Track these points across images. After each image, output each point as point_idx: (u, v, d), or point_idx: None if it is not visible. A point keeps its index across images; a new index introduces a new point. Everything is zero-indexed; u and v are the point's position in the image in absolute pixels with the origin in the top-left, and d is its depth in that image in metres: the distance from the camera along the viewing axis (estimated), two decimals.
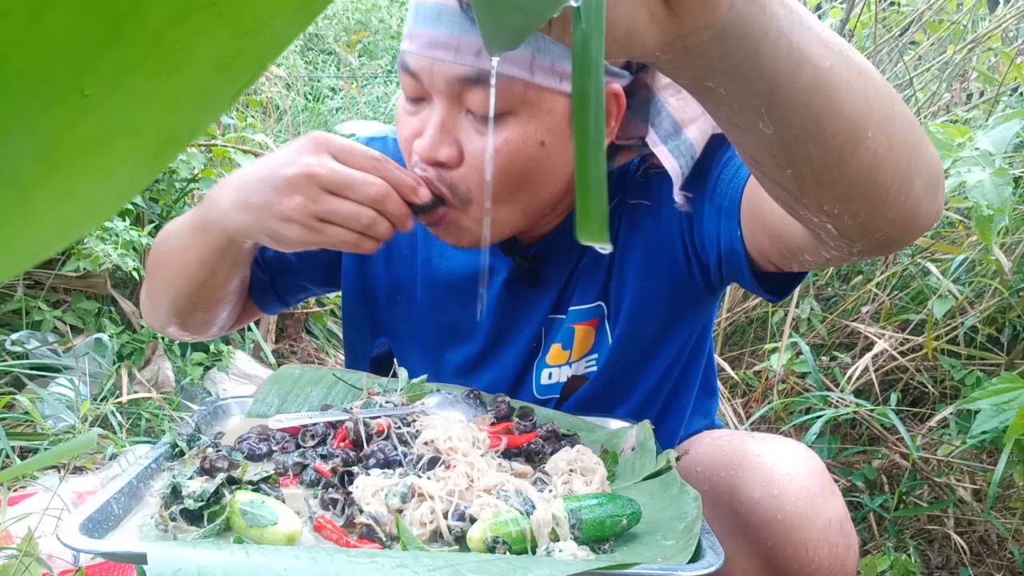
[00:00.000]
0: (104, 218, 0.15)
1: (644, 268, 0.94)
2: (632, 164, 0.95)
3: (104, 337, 1.90)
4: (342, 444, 0.83)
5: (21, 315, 1.90)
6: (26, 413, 1.56)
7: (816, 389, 1.76)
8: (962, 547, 1.50)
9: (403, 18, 5.63)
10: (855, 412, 1.65)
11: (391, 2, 5.67)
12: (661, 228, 0.92)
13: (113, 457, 1.50)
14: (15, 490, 1.31)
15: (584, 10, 0.26)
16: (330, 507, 0.73)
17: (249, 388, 1.98)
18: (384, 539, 0.69)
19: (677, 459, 0.81)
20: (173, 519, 0.69)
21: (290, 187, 0.76)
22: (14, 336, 1.80)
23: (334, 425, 0.87)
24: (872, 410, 1.63)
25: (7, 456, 1.48)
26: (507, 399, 0.95)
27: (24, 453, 1.57)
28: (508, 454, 0.85)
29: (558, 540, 0.67)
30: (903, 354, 1.85)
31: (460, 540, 0.68)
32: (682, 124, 0.85)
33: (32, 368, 1.77)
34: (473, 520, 0.68)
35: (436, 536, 0.69)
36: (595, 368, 0.99)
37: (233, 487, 0.71)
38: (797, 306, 1.98)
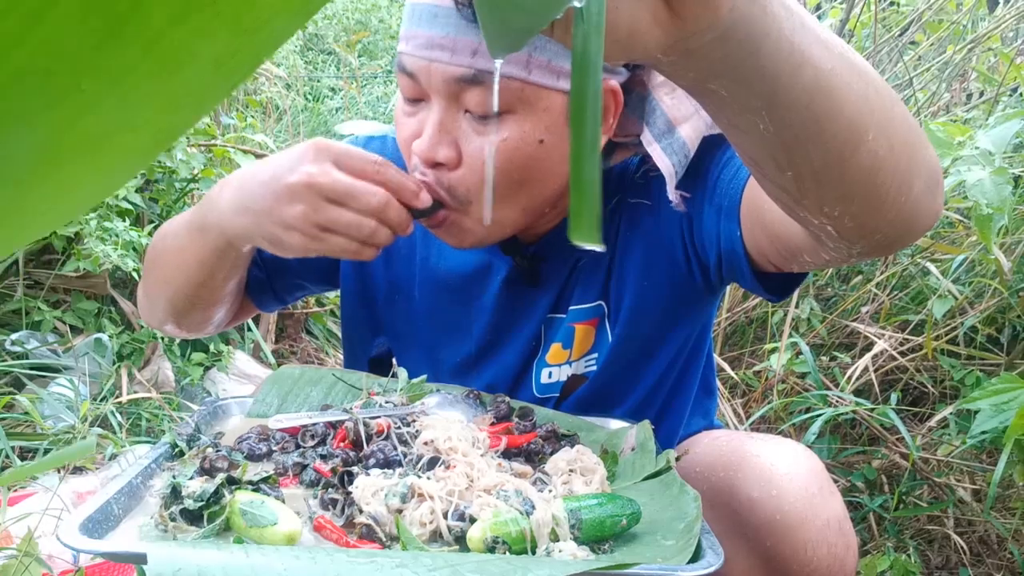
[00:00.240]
0: (94, 203, 0.15)
1: (644, 268, 0.94)
2: (632, 164, 0.95)
3: (104, 337, 1.90)
4: (342, 444, 0.83)
5: (21, 315, 1.90)
6: (26, 413, 1.56)
7: (816, 389, 1.76)
8: (962, 547, 1.50)
9: (402, 18, 5.65)
10: (855, 412, 1.65)
11: (391, 2, 5.67)
12: (661, 228, 0.92)
13: (113, 457, 1.50)
14: (15, 490, 1.31)
15: (586, 11, 0.26)
16: (330, 507, 0.73)
17: (249, 388, 1.98)
18: (384, 539, 0.69)
19: (677, 459, 0.81)
20: (173, 519, 0.69)
21: (291, 195, 0.76)
22: (14, 336, 1.80)
23: (334, 425, 0.87)
24: (872, 410, 1.63)
25: (7, 456, 1.48)
26: (507, 399, 0.95)
27: (24, 453, 1.57)
28: (508, 454, 0.85)
29: (558, 540, 0.67)
30: (903, 354, 1.85)
31: (460, 540, 0.68)
32: (675, 122, 0.85)
33: (32, 368, 1.77)
34: (473, 520, 0.68)
35: (436, 536, 0.69)
36: (595, 367, 0.99)
37: (233, 487, 0.71)
38: (797, 306, 1.98)
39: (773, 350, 1.87)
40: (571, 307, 0.97)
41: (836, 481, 1.67)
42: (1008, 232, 1.72)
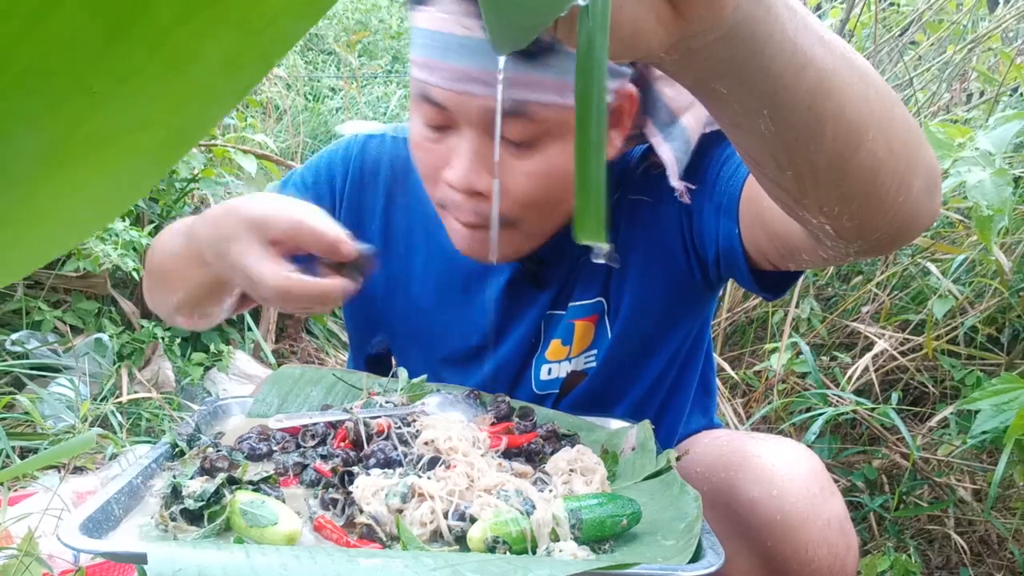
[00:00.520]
0: (110, 219, 0.15)
1: (644, 264, 0.94)
2: (632, 161, 0.95)
3: (104, 337, 1.90)
4: (342, 444, 0.83)
5: (21, 315, 1.90)
6: (26, 413, 1.56)
7: (816, 389, 1.76)
8: (962, 547, 1.50)
9: (403, 18, 5.63)
10: (855, 412, 1.65)
11: (391, 2, 5.67)
12: (661, 225, 0.92)
13: (113, 457, 1.50)
14: (15, 490, 1.31)
15: (591, 10, 0.26)
16: (330, 507, 0.73)
17: (249, 388, 1.98)
18: (384, 539, 0.69)
19: (678, 459, 0.81)
20: (173, 519, 0.69)
21: (238, 278, 0.76)
22: (14, 336, 1.80)
23: (334, 425, 0.87)
24: (872, 410, 1.63)
25: (7, 456, 1.48)
26: (507, 399, 0.95)
27: (24, 453, 1.57)
28: (508, 454, 0.85)
29: (558, 540, 0.67)
30: (903, 354, 1.85)
31: (460, 540, 0.68)
32: (677, 112, 0.85)
33: (32, 368, 1.77)
34: (473, 520, 0.68)
35: (436, 536, 0.69)
36: (594, 364, 0.99)
37: (233, 487, 0.71)
38: (797, 306, 1.98)
39: (773, 350, 1.87)
40: (571, 303, 0.97)
41: (836, 481, 1.67)
42: (1008, 232, 1.72)
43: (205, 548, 0.58)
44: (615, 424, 0.95)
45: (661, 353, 1.00)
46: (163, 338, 2.01)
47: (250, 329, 2.28)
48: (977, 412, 1.34)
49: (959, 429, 1.65)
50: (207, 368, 2.06)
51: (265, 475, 0.75)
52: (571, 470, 0.80)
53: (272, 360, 2.24)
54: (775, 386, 1.85)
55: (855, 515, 1.62)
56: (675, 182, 0.85)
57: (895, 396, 1.75)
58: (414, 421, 0.85)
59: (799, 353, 1.82)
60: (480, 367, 1.02)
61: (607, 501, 0.71)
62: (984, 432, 1.34)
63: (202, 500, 0.69)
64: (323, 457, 0.81)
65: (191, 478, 0.74)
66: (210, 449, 0.81)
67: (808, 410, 1.70)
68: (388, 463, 0.78)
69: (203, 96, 0.14)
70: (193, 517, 0.69)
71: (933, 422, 1.72)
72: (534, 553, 0.66)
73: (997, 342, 1.83)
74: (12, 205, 0.13)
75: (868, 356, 1.81)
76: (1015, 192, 1.46)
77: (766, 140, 0.54)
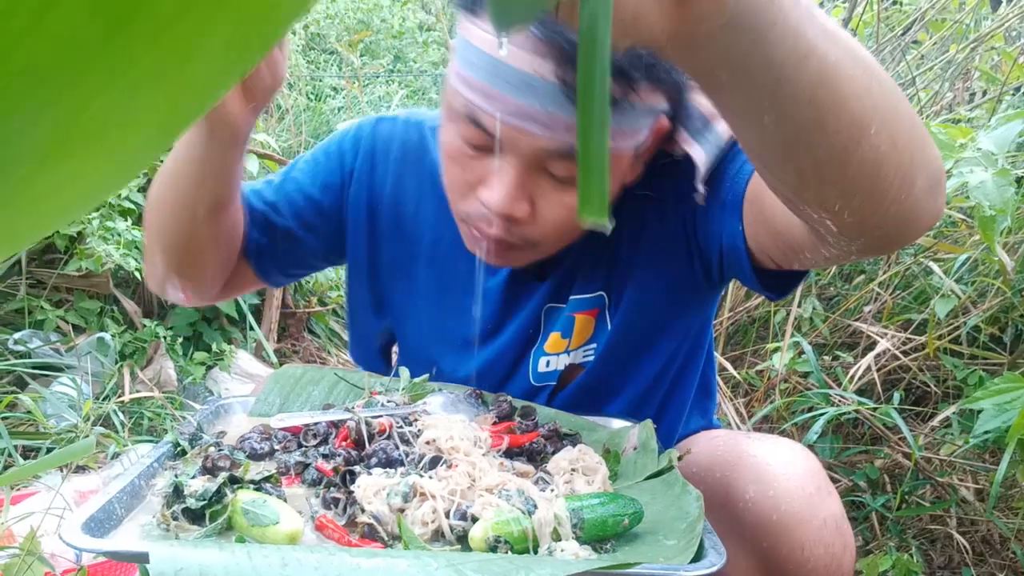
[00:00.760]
0: (107, 196, 0.15)
1: (646, 260, 0.94)
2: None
3: (106, 336, 1.90)
4: (344, 443, 0.83)
5: (24, 314, 1.90)
6: (28, 412, 1.56)
7: (818, 388, 1.76)
8: (964, 547, 1.50)
9: (404, 17, 5.63)
10: (857, 411, 1.65)
11: (393, 2, 5.67)
12: (665, 221, 0.93)
13: (115, 456, 1.50)
14: (17, 489, 1.31)
15: None
16: (332, 506, 0.73)
17: (251, 387, 1.98)
18: (386, 538, 0.69)
19: (679, 458, 0.81)
20: (175, 518, 0.69)
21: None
22: (17, 335, 1.80)
23: (336, 424, 0.87)
24: (874, 409, 1.63)
25: (9, 455, 1.48)
26: (508, 398, 0.95)
27: (27, 452, 1.57)
28: (510, 453, 0.85)
29: (560, 540, 0.67)
30: (905, 353, 1.85)
31: (462, 539, 0.68)
32: (711, 118, 0.85)
33: (34, 367, 1.77)
34: (475, 519, 0.68)
35: (438, 535, 0.69)
36: (592, 358, 0.99)
37: (235, 486, 0.71)
38: (799, 305, 1.98)
39: (775, 349, 1.87)
40: (572, 296, 0.97)
41: (838, 480, 1.67)
42: (1011, 232, 1.71)
43: (207, 547, 0.58)
44: (617, 424, 0.95)
45: (659, 350, 1.00)
46: (165, 337, 2.01)
47: (252, 328, 2.28)
48: (979, 412, 1.34)
49: (961, 429, 1.65)
50: (209, 367, 2.06)
51: (267, 474, 0.75)
52: (573, 469, 0.80)
53: (274, 359, 2.24)
54: (777, 386, 1.85)
55: (857, 515, 1.62)
56: (700, 184, 0.85)
57: (897, 396, 1.75)
58: (416, 420, 0.85)
59: (801, 352, 1.82)
60: (477, 356, 1.02)
61: (609, 501, 0.71)
62: (986, 432, 1.34)
63: (204, 499, 0.69)
64: (325, 456, 0.81)
65: (193, 477, 0.74)
66: (212, 448, 0.81)
67: (810, 410, 1.70)
68: (390, 462, 0.78)
69: (202, 82, 0.14)
70: (195, 516, 0.69)
71: (935, 422, 1.72)
72: (536, 552, 0.66)
73: (1000, 342, 1.82)
74: (15, 186, 0.14)
75: (870, 356, 1.81)
76: (1018, 192, 1.46)
77: (768, 132, 0.54)
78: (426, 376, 0.99)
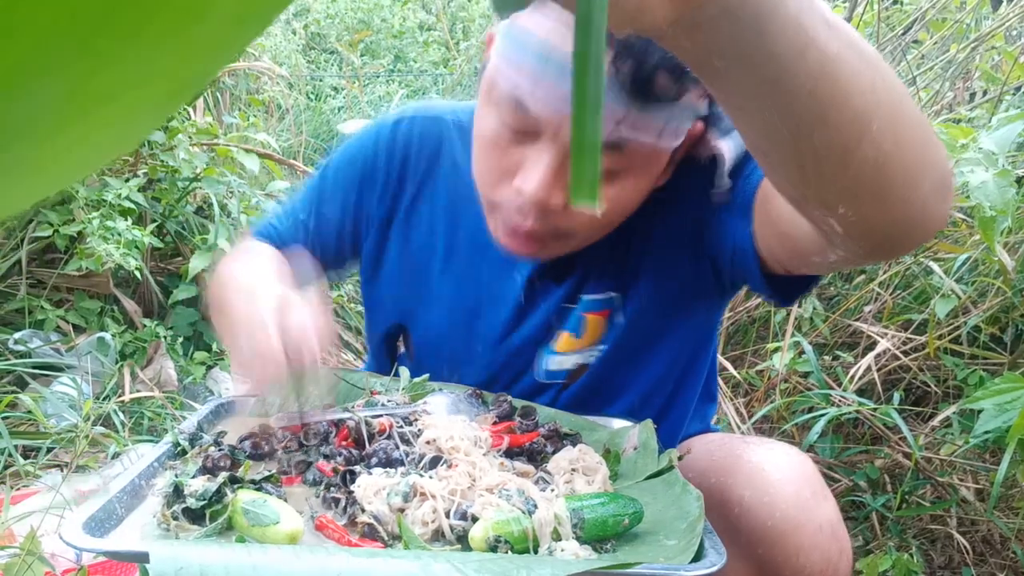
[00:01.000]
0: (114, 158, 0.16)
1: (657, 261, 0.94)
2: None
3: (107, 336, 1.90)
4: (344, 443, 0.83)
5: (24, 314, 1.90)
6: (29, 412, 1.56)
7: (819, 388, 1.76)
8: (965, 547, 1.50)
9: (404, 17, 5.63)
10: (857, 411, 1.65)
11: (393, 2, 5.67)
12: (677, 223, 0.93)
13: (115, 456, 1.50)
14: (18, 489, 1.31)
15: None
16: (332, 506, 0.73)
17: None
18: (386, 538, 0.69)
19: (680, 458, 0.81)
20: (175, 518, 0.69)
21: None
22: (17, 335, 1.80)
23: (336, 424, 0.87)
24: (875, 409, 1.63)
25: (9, 455, 1.48)
26: (508, 398, 0.95)
27: (27, 452, 1.57)
28: (510, 453, 0.85)
29: (560, 539, 0.67)
30: (906, 353, 1.85)
31: (462, 539, 0.68)
32: None
33: (35, 367, 1.77)
34: (475, 519, 0.68)
35: (438, 535, 0.69)
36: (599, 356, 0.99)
37: (235, 486, 0.71)
38: (799, 305, 1.98)
39: (776, 349, 1.87)
40: (584, 296, 0.97)
41: (838, 480, 1.67)
42: (1011, 232, 1.71)
43: (207, 547, 0.58)
44: (617, 423, 0.95)
45: (664, 351, 0.99)
46: (165, 337, 2.01)
47: None
48: (980, 412, 1.34)
49: (962, 429, 1.65)
50: (209, 367, 2.06)
51: (267, 474, 0.75)
52: (573, 469, 0.80)
53: None
54: (777, 385, 1.85)
55: (857, 515, 1.62)
56: (724, 179, 0.85)
57: (897, 395, 1.75)
58: (416, 420, 0.85)
59: (801, 352, 1.82)
60: (487, 354, 1.02)
61: (609, 500, 0.71)
62: (987, 432, 1.34)
63: (204, 499, 0.69)
64: (325, 456, 0.81)
65: (193, 477, 0.74)
66: (212, 448, 0.81)
67: (810, 410, 1.70)
68: (390, 462, 0.78)
69: (210, 50, 0.14)
70: (195, 516, 0.69)
71: (936, 421, 1.72)
72: (536, 552, 0.66)
73: (1000, 342, 1.82)
74: (27, 150, 0.14)
75: (871, 355, 1.81)
76: (1018, 192, 1.46)
77: (768, 126, 0.54)
78: (426, 376, 0.99)
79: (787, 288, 0.84)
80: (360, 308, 2.11)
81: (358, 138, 1.07)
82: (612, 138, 0.77)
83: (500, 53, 0.80)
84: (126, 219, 1.91)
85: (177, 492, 0.71)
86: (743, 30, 0.48)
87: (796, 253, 0.74)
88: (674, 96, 0.76)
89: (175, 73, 0.14)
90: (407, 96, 4.47)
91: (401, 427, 0.82)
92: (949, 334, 1.81)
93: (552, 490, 0.75)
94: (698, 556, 0.65)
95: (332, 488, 0.75)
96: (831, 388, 1.77)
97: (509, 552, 0.65)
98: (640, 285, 0.96)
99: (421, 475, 0.73)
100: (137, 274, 1.87)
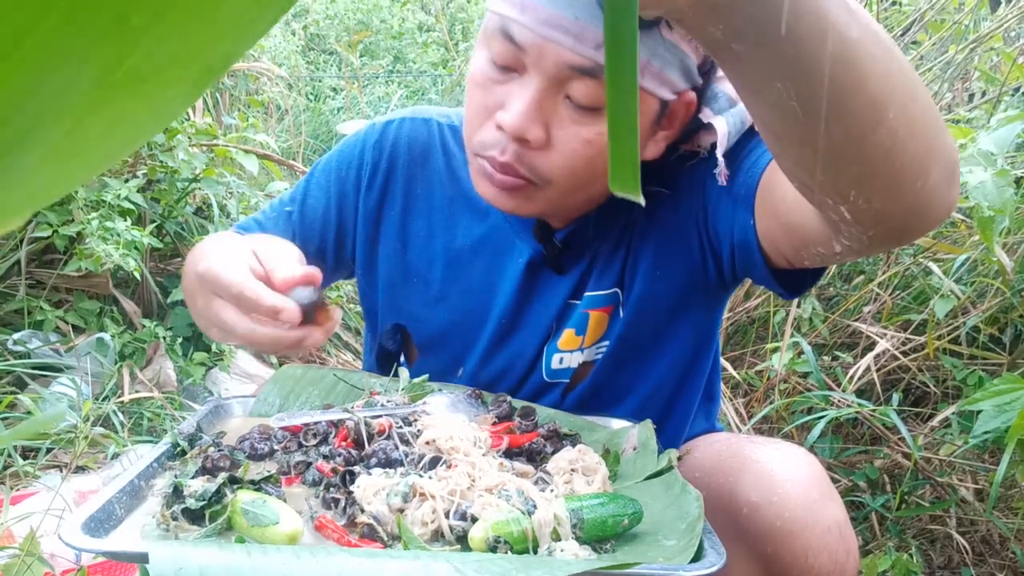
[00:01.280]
0: (145, 141, 0.16)
1: (658, 256, 0.94)
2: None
3: (106, 337, 1.90)
4: (344, 443, 0.83)
5: (23, 315, 1.90)
6: (28, 412, 1.56)
7: (818, 389, 1.76)
8: (964, 547, 1.50)
9: (404, 18, 5.62)
10: (857, 412, 1.65)
11: (393, 2, 5.67)
12: (678, 217, 0.93)
13: (115, 457, 1.50)
14: (17, 489, 1.31)
15: None
16: (331, 507, 0.73)
17: (251, 388, 1.98)
18: (385, 539, 0.69)
19: (679, 459, 0.81)
20: (175, 518, 0.69)
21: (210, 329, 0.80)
22: (16, 336, 1.80)
23: (336, 424, 0.87)
24: (874, 410, 1.63)
25: (9, 456, 1.48)
26: (508, 398, 0.95)
27: (26, 452, 1.57)
28: (509, 454, 0.85)
29: (560, 540, 0.67)
30: (905, 354, 1.85)
31: (462, 540, 0.68)
32: (737, 100, 0.85)
33: (34, 368, 1.77)
34: (475, 520, 0.68)
35: (437, 536, 0.69)
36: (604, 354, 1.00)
37: (235, 486, 0.71)
38: (799, 306, 1.98)
39: (775, 350, 1.87)
40: (587, 293, 0.97)
41: (838, 481, 1.67)
42: (1010, 232, 1.71)
43: (207, 547, 0.58)
44: (617, 424, 0.95)
45: (667, 349, 0.99)
46: (165, 338, 2.01)
47: None
48: (979, 412, 1.34)
49: (961, 429, 1.65)
50: (209, 368, 2.06)
51: (266, 474, 0.75)
52: (572, 470, 0.80)
53: (274, 360, 2.24)
54: (776, 386, 1.85)
55: (857, 515, 1.62)
56: (720, 153, 0.85)
57: (896, 396, 1.75)
58: (415, 421, 0.85)
59: (800, 353, 1.82)
60: (493, 355, 1.02)
61: (608, 501, 0.71)
62: (986, 432, 1.34)
63: (203, 499, 0.69)
64: (325, 457, 0.81)
65: (192, 477, 0.74)
66: (211, 448, 0.81)
67: (810, 410, 1.70)
68: (389, 463, 0.78)
69: (235, 30, 0.15)
70: (194, 516, 0.69)
71: (935, 422, 1.72)
72: (535, 553, 0.66)
73: (999, 342, 1.82)
74: (62, 133, 0.14)
75: (870, 356, 1.81)
76: (1017, 193, 1.46)
77: (785, 110, 0.54)
78: (425, 376, 0.99)
79: (791, 280, 0.84)
80: (360, 308, 2.10)
81: (349, 138, 1.08)
82: (590, 63, 0.76)
83: None
84: (125, 220, 1.91)
85: (176, 493, 0.71)
86: (762, 13, 0.48)
87: (801, 244, 0.74)
88: (653, 20, 0.75)
89: (201, 54, 0.15)
90: (406, 97, 4.47)
91: (400, 427, 0.82)
92: (948, 334, 1.81)
93: (551, 490, 0.75)
94: (697, 556, 0.65)
95: (332, 488, 0.75)
96: (830, 388, 1.77)
97: (508, 552, 0.65)
98: (639, 280, 0.96)
99: (420, 475, 0.73)
100: (136, 275, 1.87)
